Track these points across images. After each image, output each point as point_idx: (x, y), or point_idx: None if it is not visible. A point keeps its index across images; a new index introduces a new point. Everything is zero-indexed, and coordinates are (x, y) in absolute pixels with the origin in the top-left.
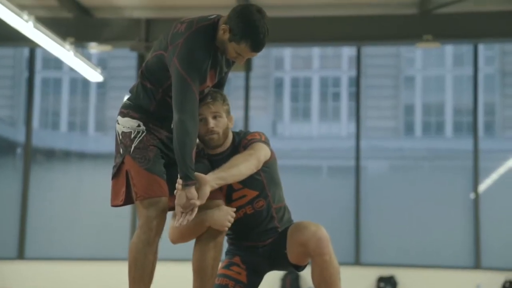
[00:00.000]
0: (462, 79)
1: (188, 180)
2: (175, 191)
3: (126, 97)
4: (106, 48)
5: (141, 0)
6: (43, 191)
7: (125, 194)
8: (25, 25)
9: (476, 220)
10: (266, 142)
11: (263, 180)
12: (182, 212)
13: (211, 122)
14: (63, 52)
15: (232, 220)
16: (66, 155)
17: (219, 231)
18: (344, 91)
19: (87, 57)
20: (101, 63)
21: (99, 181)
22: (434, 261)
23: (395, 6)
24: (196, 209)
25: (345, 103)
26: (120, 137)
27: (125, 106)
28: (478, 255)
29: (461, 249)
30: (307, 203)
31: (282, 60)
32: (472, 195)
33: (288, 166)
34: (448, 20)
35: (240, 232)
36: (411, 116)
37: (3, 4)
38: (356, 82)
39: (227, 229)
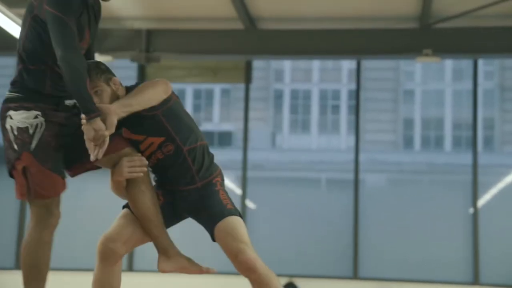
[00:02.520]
0: (461, 94)
1: (91, 113)
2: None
3: (7, 92)
4: (106, 58)
5: (142, 11)
6: None
7: (26, 189)
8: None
9: (475, 235)
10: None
11: (166, 125)
12: (94, 145)
13: (94, 100)
14: None
15: (135, 167)
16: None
17: (140, 177)
18: (344, 104)
19: None
20: None
21: (101, 189)
22: (433, 276)
23: (395, 20)
24: (107, 140)
25: (344, 116)
26: (15, 132)
27: (13, 100)
28: (477, 270)
29: (460, 264)
30: (305, 216)
31: (282, 73)
32: (471, 210)
33: (286, 178)
34: (448, 34)
35: (159, 177)
36: (410, 130)
37: (6, 15)
38: (355, 95)
39: (140, 174)
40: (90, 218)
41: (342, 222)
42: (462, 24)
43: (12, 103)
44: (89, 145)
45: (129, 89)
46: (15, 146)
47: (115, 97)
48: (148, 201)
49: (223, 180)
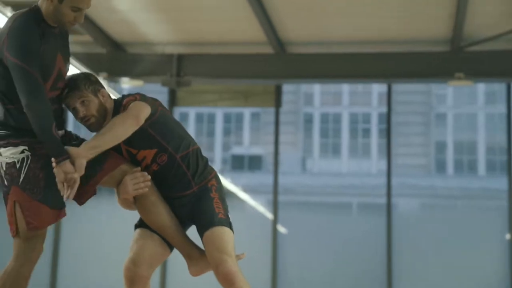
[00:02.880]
0: (494, 117)
1: (59, 157)
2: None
3: None
4: (138, 83)
5: (173, 36)
6: (75, 224)
7: (14, 225)
8: None
9: (511, 261)
10: (143, 99)
11: (155, 136)
12: (66, 187)
13: (81, 110)
14: None
15: (139, 183)
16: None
17: (144, 193)
18: (374, 127)
19: (119, 92)
20: None
21: (129, 215)
22: None
23: (426, 43)
24: (78, 181)
25: (375, 139)
26: (4, 168)
27: (2, 137)
28: None
29: None
30: (336, 241)
31: (311, 96)
32: (507, 236)
33: (317, 203)
34: (481, 57)
35: (157, 187)
36: (442, 153)
37: None
38: (386, 119)
39: (145, 189)
40: (103, 241)
41: (375, 247)
42: (495, 47)
43: (1, 141)
44: (60, 186)
45: (116, 102)
46: (5, 182)
47: (102, 108)
48: (161, 210)
49: (219, 183)
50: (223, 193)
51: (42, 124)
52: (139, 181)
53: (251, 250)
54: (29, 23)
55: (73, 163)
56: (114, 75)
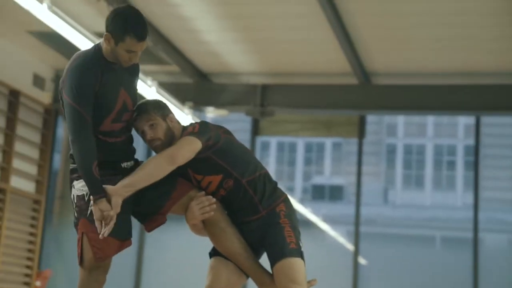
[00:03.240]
0: None
1: (96, 195)
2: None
3: (70, 164)
4: (222, 112)
5: (258, 66)
6: (158, 250)
7: (80, 255)
8: (149, 90)
9: None
10: (203, 129)
11: (220, 162)
12: (101, 224)
13: (148, 133)
14: (182, 116)
15: (205, 207)
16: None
17: (212, 217)
18: (460, 160)
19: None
20: None
21: (209, 242)
22: None
23: None
24: (114, 218)
25: (460, 172)
26: (75, 200)
27: (74, 170)
28: None
29: None
30: (419, 274)
31: (395, 127)
32: None
33: (399, 235)
34: None
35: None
36: None
37: None
38: (474, 152)
39: (211, 213)
40: (184, 268)
41: (460, 283)
42: None
43: (74, 174)
44: (97, 224)
45: (184, 129)
46: (75, 214)
47: (170, 133)
48: (231, 237)
49: (288, 207)
50: (295, 219)
51: (83, 162)
52: (204, 205)
53: (331, 281)
54: (88, 63)
55: (109, 201)
56: (199, 105)
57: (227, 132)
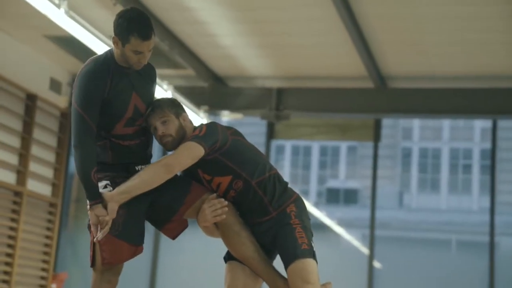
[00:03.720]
0: None
1: (92, 200)
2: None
3: None
4: (237, 116)
5: (273, 70)
6: (173, 255)
7: (92, 258)
8: (165, 94)
9: None
10: (206, 135)
11: (228, 163)
12: (97, 229)
13: (160, 129)
14: (197, 119)
15: (216, 210)
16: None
17: (224, 220)
18: (476, 163)
19: None
20: None
21: (225, 247)
22: None
23: None
24: (109, 223)
25: (476, 176)
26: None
27: None
28: None
29: None
30: (434, 279)
31: (410, 131)
32: None
33: (414, 239)
34: None
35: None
36: None
37: None
38: (491, 155)
39: (223, 216)
40: (199, 272)
41: (476, 286)
42: None
43: None
44: (93, 228)
45: (195, 128)
46: (89, 215)
47: (181, 131)
48: (245, 241)
49: (299, 207)
50: (306, 219)
51: (82, 167)
52: (216, 208)
53: (346, 285)
54: (97, 69)
55: (105, 207)
56: (215, 108)
57: (236, 133)
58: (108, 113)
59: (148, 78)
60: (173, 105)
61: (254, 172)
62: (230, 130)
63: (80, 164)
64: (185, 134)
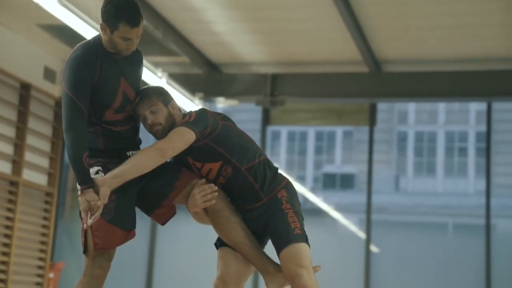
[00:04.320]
0: None
1: (83, 185)
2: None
3: None
4: (232, 102)
5: (268, 56)
6: (170, 241)
7: (84, 244)
8: (159, 81)
9: None
10: (196, 120)
11: (218, 149)
12: (87, 215)
13: (149, 118)
14: (192, 106)
15: (206, 195)
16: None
17: (214, 206)
18: (472, 146)
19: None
20: None
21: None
22: None
23: None
24: (100, 209)
25: (472, 158)
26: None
27: None
28: None
29: None
30: (431, 262)
31: (406, 114)
32: None
33: (411, 222)
34: None
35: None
36: None
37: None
38: (486, 138)
39: (213, 201)
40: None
41: (473, 269)
42: None
43: None
44: (84, 214)
45: (184, 115)
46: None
47: (171, 119)
48: (235, 226)
49: (290, 192)
50: (297, 203)
51: (74, 151)
52: (206, 193)
53: (343, 269)
54: (86, 54)
55: (97, 192)
56: (210, 95)
57: (226, 119)
58: (98, 99)
59: (136, 62)
60: (161, 94)
61: (243, 158)
62: (220, 116)
63: (72, 148)
64: (174, 122)
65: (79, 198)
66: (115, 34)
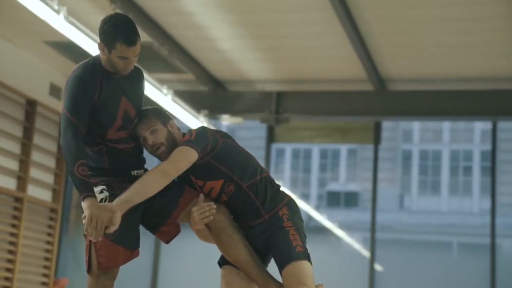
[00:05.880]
0: None
1: (81, 194)
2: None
3: None
4: (237, 120)
5: (273, 73)
6: (174, 259)
7: (88, 263)
8: (164, 98)
9: None
10: (197, 139)
11: (219, 167)
12: (94, 229)
13: (150, 138)
14: (197, 123)
15: (204, 213)
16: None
17: (217, 224)
18: (476, 165)
19: (218, 128)
20: (230, 133)
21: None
22: None
23: None
24: (112, 230)
25: (477, 177)
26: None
27: None
28: None
29: None
30: (436, 281)
31: (410, 133)
32: None
33: (416, 241)
34: None
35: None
36: None
37: (145, 79)
38: (491, 157)
39: (210, 218)
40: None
41: None
42: None
43: None
44: (87, 226)
45: (184, 134)
46: (83, 221)
47: (171, 138)
48: (238, 244)
49: (292, 210)
50: (300, 221)
51: (66, 163)
52: (204, 210)
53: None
54: (85, 74)
55: (111, 218)
56: (214, 112)
57: (226, 136)
58: (99, 118)
59: (136, 81)
60: (159, 114)
61: (245, 175)
62: (220, 133)
63: (65, 161)
64: (175, 141)
65: (83, 215)
66: (112, 54)
